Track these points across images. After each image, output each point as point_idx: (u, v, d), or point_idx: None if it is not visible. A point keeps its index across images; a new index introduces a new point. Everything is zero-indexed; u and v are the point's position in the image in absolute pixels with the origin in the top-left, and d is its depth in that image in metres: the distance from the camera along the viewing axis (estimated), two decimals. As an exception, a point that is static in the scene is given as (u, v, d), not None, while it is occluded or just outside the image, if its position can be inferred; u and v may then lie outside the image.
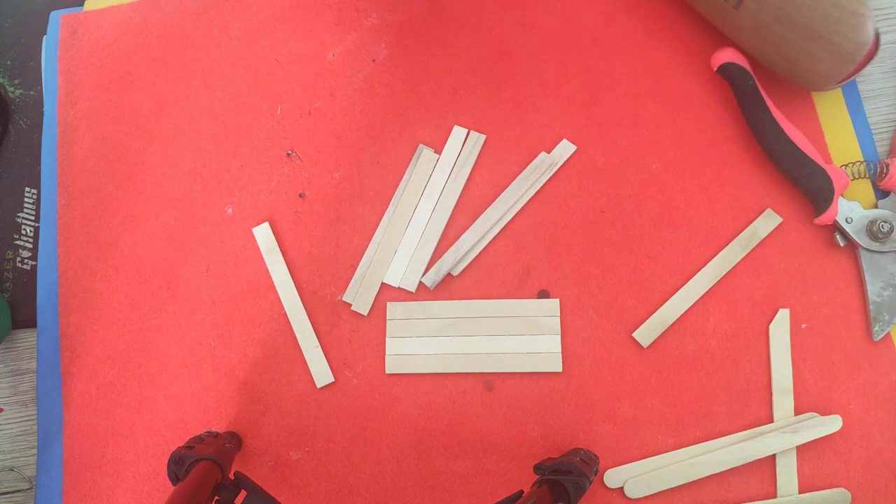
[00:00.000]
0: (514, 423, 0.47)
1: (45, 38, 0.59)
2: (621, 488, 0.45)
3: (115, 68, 0.57)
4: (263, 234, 0.52)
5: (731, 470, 0.44)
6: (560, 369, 0.47)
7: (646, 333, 0.47)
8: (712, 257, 0.47)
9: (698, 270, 0.47)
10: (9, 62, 0.60)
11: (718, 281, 0.47)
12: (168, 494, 0.37)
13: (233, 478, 0.41)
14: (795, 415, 0.45)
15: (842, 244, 0.46)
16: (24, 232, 0.56)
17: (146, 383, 0.51)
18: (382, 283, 0.50)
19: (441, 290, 0.49)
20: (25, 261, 0.55)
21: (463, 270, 0.49)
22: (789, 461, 0.44)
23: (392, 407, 0.48)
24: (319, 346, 0.49)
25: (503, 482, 0.46)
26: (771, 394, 0.45)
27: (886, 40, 0.50)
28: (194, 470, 0.39)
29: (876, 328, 0.45)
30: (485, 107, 0.52)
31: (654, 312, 0.47)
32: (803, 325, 0.46)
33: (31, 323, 0.54)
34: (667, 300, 0.47)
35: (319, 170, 0.53)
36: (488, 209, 0.50)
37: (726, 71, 0.46)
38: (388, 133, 0.53)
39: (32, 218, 0.56)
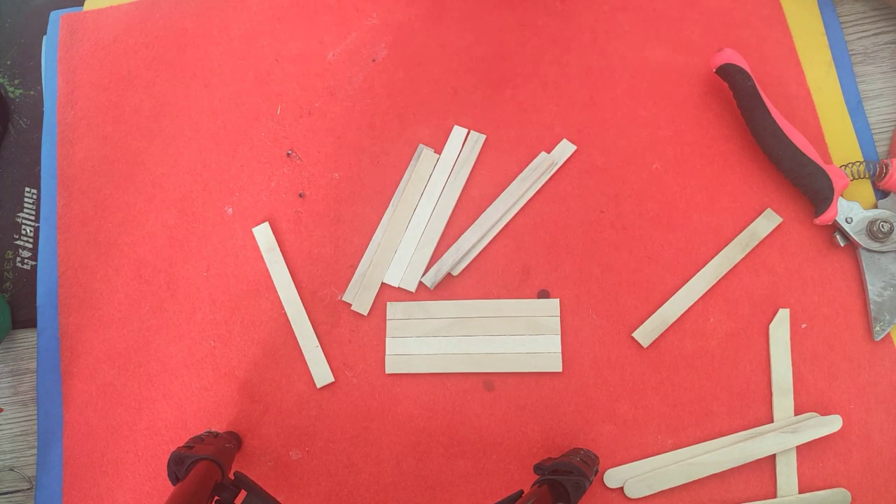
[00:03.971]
0: (514, 423, 0.47)
1: (45, 38, 0.59)
2: (621, 488, 0.45)
3: (115, 68, 0.57)
4: (263, 234, 0.52)
5: (731, 470, 0.44)
6: (560, 369, 0.47)
7: (646, 333, 0.47)
8: (712, 257, 0.47)
9: (698, 270, 0.47)
10: (9, 62, 0.60)
11: (718, 281, 0.47)
12: (168, 494, 0.37)
13: (233, 478, 0.41)
14: (795, 415, 0.45)
15: (842, 244, 0.46)
16: (24, 232, 0.56)
17: (146, 383, 0.51)
18: (382, 283, 0.50)
19: (441, 290, 0.49)
20: (25, 261, 0.55)
21: (463, 270, 0.49)
22: (789, 461, 0.44)
23: (392, 407, 0.48)
24: (319, 346, 0.49)
25: (503, 482, 0.46)
26: (771, 394, 0.45)
27: (886, 40, 0.50)
28: (194, 470, 0.39)
29: (876, 328, 0.45)
30: (485, 107, 0.52)
31: (654, 312, 0.47)
32: (803, 325, 0.46)
33: (31, 323, 0.54)
34: (667, 300, 0.47)
35: (319, 170, 0.53)
36: (488, 209, 0.50)
37: (725, 72, 0.46)
38: (388, 133, 0.53)
39: (32, 218, 0.56)
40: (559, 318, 0.48)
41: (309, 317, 0.50)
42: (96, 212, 0.54)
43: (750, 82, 0.46)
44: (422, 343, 0.48)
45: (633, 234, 0.49)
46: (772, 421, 0.45)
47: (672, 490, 0.45)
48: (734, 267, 0.47)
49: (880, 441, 0.44)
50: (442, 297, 0.49)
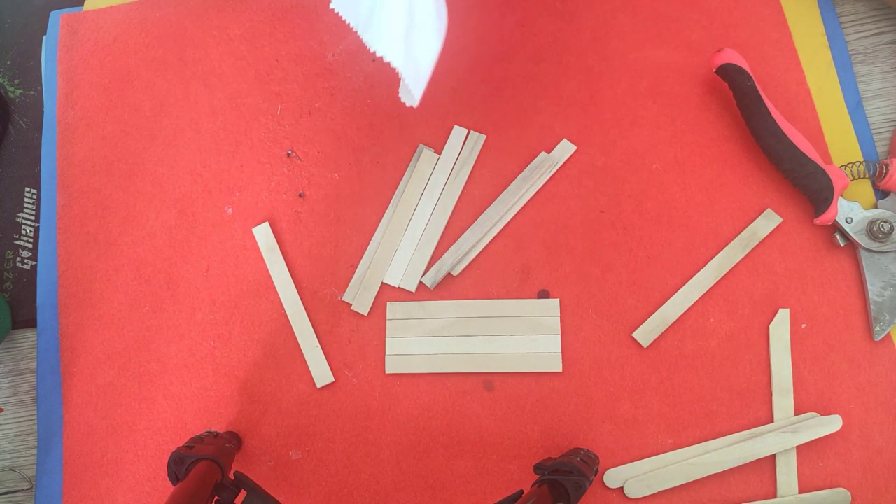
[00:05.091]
0: (514, 423, 0.47)
1: (45, 38, 0.59)
2: (621, 488, 0.45)
3: (115, 68, 0.57)
4: (263, 234, 0.52)
5: (731, 470, 0.44)
6: (560, 369, 0.47)
7: (646, 333, 0.47)
8: (712, 257, 0.47)
9: (698, 270, 0.47)
10: (9, 62, 0.60)
11: (718, 281, 0.47)
12: (168, 494, 0.37)
13: (233, 478, 0.41)
14: (795, 415, 0.45)
15: (842, 244, 0.46)
16: (24, 232, 0.56)
17: (146, 383, 0.51)
18: (382, 283, 0.50)
19: (441, 290, 0.49)
20: (25, 261, 0.55)
21: (463, 270, 0.49)
22: (789, 461, 0.44)
23: (392, 407, 0.48)
24: (319, 346, 0.49)
25: (503, 482, 0.46)
26: (771, 394, 0.45)
27: (886, 40, 0.50)
28: (194, 470, 0.39)
29: (876, 328, 0.45)
30: (485, 107, 0.52)
31: (654, 312, 0.47)
32: (803, 325, 0.46)
33: (31, 323, 0.54)
34: (667, 300, 0.47)
35: (319, 170, 0.53)
36: (488, 209, 0.50)
37: (725, 72, 0.46)
38: (388, 133, 0.53)
39: (32, 218, 0.56)
40: (559, 318, 0.48)
41: (309, 317, 0.50)
42: (96, 212, 0.54)
43: (750, 82, 0.46)
44: (422, 343, 0.48)
45: (633, 234, 0.49)
46: (772, 421, 0.45)
47: (672, 490, 0.45)
48: (734, 267, 0.47)
49: (880, 441, 0.44)
50: (442, 297, 0.49)
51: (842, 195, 0.45)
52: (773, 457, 0.44)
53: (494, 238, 0.50)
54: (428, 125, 0.52)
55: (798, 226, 0.47)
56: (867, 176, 0.46)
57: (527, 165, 0.50)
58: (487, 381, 0.48)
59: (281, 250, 0.51)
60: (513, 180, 0.50)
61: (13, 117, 0.58)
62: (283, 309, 0.50)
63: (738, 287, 0.47)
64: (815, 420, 0.44)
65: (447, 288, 0.49)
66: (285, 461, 0.48)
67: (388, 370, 0.48)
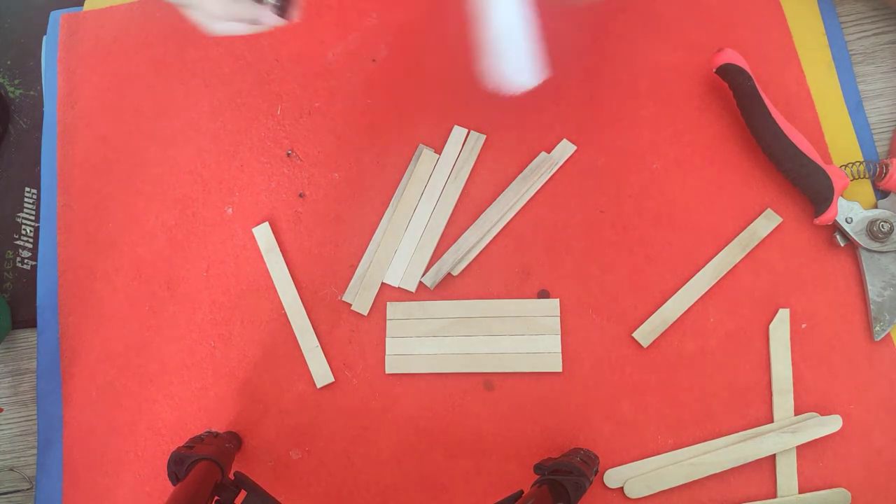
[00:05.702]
0: (514, 423, 0.47)
1: (45, 38, 0.59)
2: (621, 488, 0.45)
3: (115, 68, 0.57)
4: (263, 234, 0.52)
5: (731, 470, 0.44)
6: (560, 369, 0.47)
7: (646, 333, 0.47)
8: (712, 257, 0.47)
9: (698, 270, 0.47)
10: (9, 62, 0.60)
11: (718, 281, 0.47)
12: (168, 494, 0.37)
13: (233, 478, 0.41)
14: (795, 415, 0.45)
15: (842, 244, 0.46)
16: (24, 232, 0.56)
17: (146, 383, 0.51)
18: (382, 283, 0.50)
19: (441, 290, 0.49)
20: (25, 261, 0.55)
21: (463, 270, 0.49)
22: (789, 461, 0.44)
23: (392, 407, 0.48)
24: (319, 346, 0.49)
25: (503, 482, 0.46)
26: (771, 394, 0.45)
27: (886, 40, 0.50)
28: (194, 470, 0.39)
29: (876, 328, 0.45)
30: (485, 107, 0.52)
31: (654, 312, 0.47)
32: (803, 325, 0.46)
33: (31, 323, 0.54)
34: (667, 300, 0.47)
35: (319, 170, 0.53)
36: (488, 209, 0.50)
37: (725, 72, 0.46)
38: (388, 133, 0.53)
39: (32, 218, 0.56)
40: (559, 318, 0.48)
41: (309, 317, 0.50)
42: (96, 212, 0.54)
43: (750, 82, 0.46)
44: (422, 343, 0.48)
45: (633, 234, 0.49)
46: (772, 421, 0.45)
47: (672, 490, 0.44)
48: (734, 267, 0.47)
49: (880, 441, 0.44)
50: (442, 297, 0.49)
51: (842, 195, 0.45)
52: (773, 457, 0.44)
53: (494, 238, 0.50)
54: (428, 125, 0.52)
55: (798, 226, 0.47)
56: (867, 176, 0.46)
57: (527, 165, 0.50)
58: (487, 381, 0.48)
59: (281, 250, 0.51)
60: (513, 180, 0.50)
61: (13, 117, 0.58)
62: (283, 309, 0.50)
63: (738, 287, 0.47)
64: (815, 420, 0.44)
65: (447, 288, 0.49)
66: (285, 461, 0.48)
67: (388, 370, 0.48)
